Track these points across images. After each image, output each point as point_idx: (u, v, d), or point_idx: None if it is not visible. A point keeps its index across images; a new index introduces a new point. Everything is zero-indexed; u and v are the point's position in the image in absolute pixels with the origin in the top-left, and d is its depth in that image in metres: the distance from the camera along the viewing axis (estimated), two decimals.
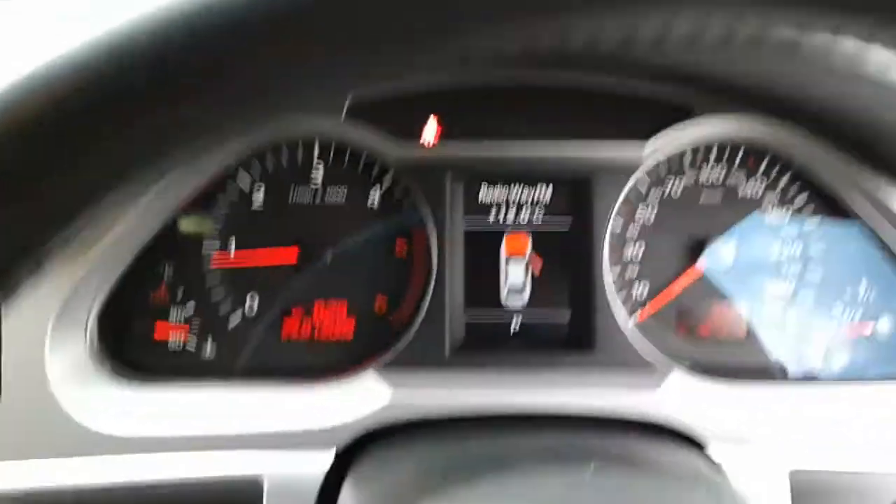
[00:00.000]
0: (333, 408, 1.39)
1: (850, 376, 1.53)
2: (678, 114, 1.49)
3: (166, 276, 1.55)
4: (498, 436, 1.32)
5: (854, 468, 1.39)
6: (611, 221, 1.52)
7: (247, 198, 1.56)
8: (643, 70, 1.44)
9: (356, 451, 1.35)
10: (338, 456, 1.36)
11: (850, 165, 1.47)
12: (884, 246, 1.54)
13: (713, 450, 1.37)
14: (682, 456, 1.30)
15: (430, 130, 1.49)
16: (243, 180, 1.56)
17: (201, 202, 1.54)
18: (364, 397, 1.40)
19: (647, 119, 1.49)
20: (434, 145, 1.48)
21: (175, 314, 1.55)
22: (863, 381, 1.49)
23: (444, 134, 1.50)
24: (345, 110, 1.49)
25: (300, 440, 1.36)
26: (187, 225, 1.54)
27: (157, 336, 1.54)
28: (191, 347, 1.55)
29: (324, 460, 1.35)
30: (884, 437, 1.41)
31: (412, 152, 1.50)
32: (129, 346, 1.53)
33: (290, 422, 1.38)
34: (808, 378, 1.53)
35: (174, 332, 1.54)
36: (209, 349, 1.55)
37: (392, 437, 1.36)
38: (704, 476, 1.22)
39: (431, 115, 1.49)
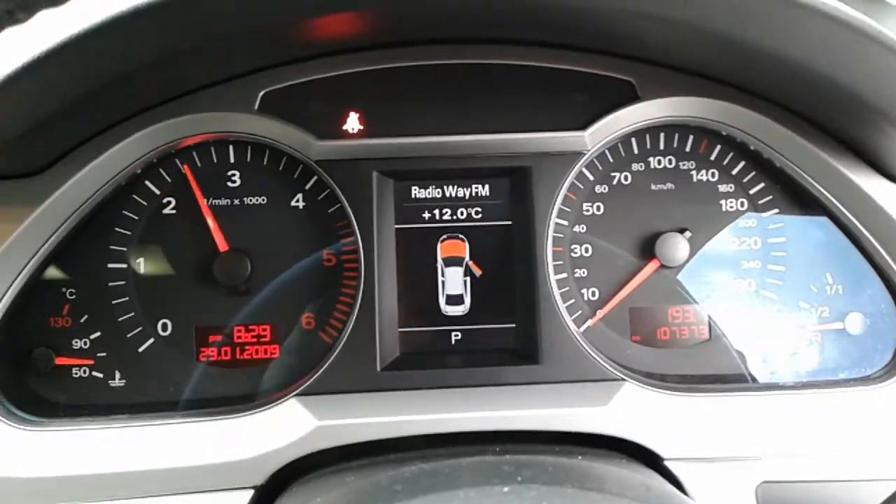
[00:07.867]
0: (249, 441, 1.24)
1: (819, 379, 1.41)
2: (622, 96, 1.36)
3: (68, 299, 1.39)
4: (433, 461, 1.18)
5: (826, 476, 1.27)
6: (554, 215, 1.38)
7: (157, 201, 1.42)
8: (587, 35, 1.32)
9: (279, 488, 1.21)
10: (259, 494, 1.22)
11: (813, 147, 1.35)
12: (850, 237, 1.41)
13: (672, 465, 1.25)
14: (629, 473, 1.17)
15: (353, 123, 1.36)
16: (153, 185, 1.42)
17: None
18: (284, 428, 1.25)
19: (588, 103, 1.36)
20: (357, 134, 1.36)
21: (78, 339, 1.39)
22: (831, 386, 1.36)
23: (368, 129, 1.36)
24: (257, 104, 1.35)
25: (212, 479, 1.22)
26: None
27: (59, 363, 1.38)
28: (97, 375, 1.39)
29: (240, 500, 1.21)
30: (856, 442, 1.29)
31: (334, 149, 1.36)
32: (27, 377, 1.37)
33: (201, 459, 1.23)
34: (773, 385, 1.40)
35: (78, 360, 1.39)
36: (117, 376, 1.40)
37: (320, 469, 1.22)
38: (657, 494, 1.10)
39: (352, 111, 1.36)
